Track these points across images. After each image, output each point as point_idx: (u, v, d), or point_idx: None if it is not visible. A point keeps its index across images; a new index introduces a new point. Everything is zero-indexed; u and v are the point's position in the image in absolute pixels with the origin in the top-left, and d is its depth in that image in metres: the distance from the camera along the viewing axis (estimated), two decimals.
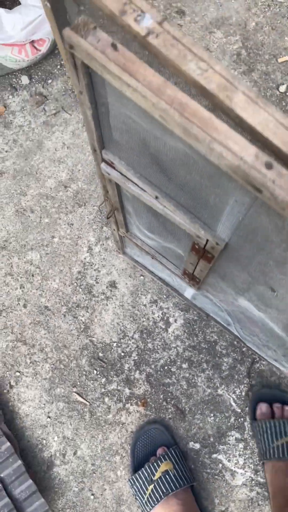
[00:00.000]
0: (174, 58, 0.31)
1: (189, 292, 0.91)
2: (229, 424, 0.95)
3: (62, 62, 1.13)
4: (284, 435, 0.86)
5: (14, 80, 1.12)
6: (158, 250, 0.79)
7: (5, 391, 0.98)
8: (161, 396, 0.97)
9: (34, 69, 1.13)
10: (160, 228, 0.63)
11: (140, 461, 0.93)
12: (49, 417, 0.97)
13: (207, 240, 0.49)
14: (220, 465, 0.94)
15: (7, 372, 0.98)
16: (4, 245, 1.03)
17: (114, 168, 0.50)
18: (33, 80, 1.12)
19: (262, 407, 0.91)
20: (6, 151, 1.08)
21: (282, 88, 1.07)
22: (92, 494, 0.94)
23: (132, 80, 0.31)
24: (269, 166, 0.30)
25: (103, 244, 1.03)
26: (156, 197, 0.49)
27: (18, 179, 1.07)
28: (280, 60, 1.09)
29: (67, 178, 1.06)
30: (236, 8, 1.13)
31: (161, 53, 0.32)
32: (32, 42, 1.03)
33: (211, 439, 0.95)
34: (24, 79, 1.12)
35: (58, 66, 1.13)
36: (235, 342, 0.98)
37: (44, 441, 0.96)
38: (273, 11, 1.12)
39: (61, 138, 1.08)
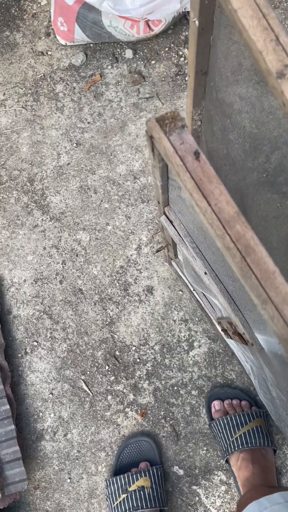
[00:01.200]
0: None
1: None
2: (219, 464, 0.94)
3: (171, 45, 1.06)
4: (241, 427, 0.89)
5: (118, 50, 1.07)
6: (204, 292, 0.75)
7: (19, 355, 1.00)
8: (162, 413, 0.97)
9: (141, 44, 1.07)
10: (203, 289, 0.59)
11: (122, 467, 0.94)
12: (51, 393, 0.99)
13: (244, 334, 0.46)
14: (197, 498, 0.94)
15: (26, 339, 1.00)
16: (59, 217, 1.03)
17: (173, 225, 0.47)
18: (137, 56, 1.07)
19: (215, 405, 0.94)
20: (89, 123, 1.05)
21: None
22: (69, 478, 0.97)
23: (204, 202, 0.28)
24: None
25: (153, 247, 1.00)
26: (205, 273, 0.45)
27: (91, 155, 1.04)
28: None
29: (139, 169, 1.03)
30: None
31: None
32: (147, 20, 0.97)
33: (197, 471, 0.95)
34: (128, 53, 1.07)
35: (166, 49, 1.06)
36: (252, 388, 0.95)
37: (41, 414, 0.99)
38: None
39: None
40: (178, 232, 0.46)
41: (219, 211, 0.27)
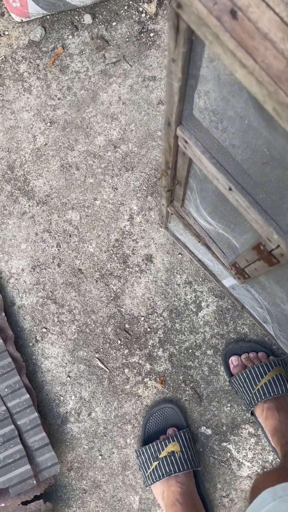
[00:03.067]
0: None
1: (229, 281, 0.86)
2: (245, 417, 0.94)
3: (130, 2, 1.02)
4: (261, 377, 0.89)
5: (76, 18, 1.03)
6: (211, 234, 0.73)
7: (30, 344, 1.00)
8: (181, 377, 0.96)
9: (99, 7, 1.02)
10: (224, 217, 0.57)
11: (150, 436, 0.94)
12: (69, 376, 0.99)
13: (278, 246, 0.44)
14: (229, 454, 0.94)
15: (35, 327, 1.00)
16: (46, 200, 1.01)
17: (189, 145, 0.44)
18: (97, 20, 1.02)
19: (233, 360, 0.94)
20: (59, 99, 1.02)
21: None
22: (101, 455, 0.98)
23: (249, 59, 0.25)
24: None
25: (145, 215, 0.98)
26: (230, 189, 0.43)
27: (67, 131, 1.01)
28: None
29: (118, 138, 0.99)
30: None
31: None
32: None
33: (224, 428, 0.95)
34: (87, 18, 1.02)
35: (125, 7, 1.02)
36: (266, 339, 0.94)
37: (62, 398, 0.99)
38: None
39: (118, 91, 1.00)
40: (194, 154, 0.44)
41: (268, 67, 0.25)
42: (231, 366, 0.94)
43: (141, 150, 0.99)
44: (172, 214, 0.78)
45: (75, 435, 0.99)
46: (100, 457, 0.98)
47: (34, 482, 0.92)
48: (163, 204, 0.77)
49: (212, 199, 0.56)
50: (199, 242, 0.77)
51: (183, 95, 0.39)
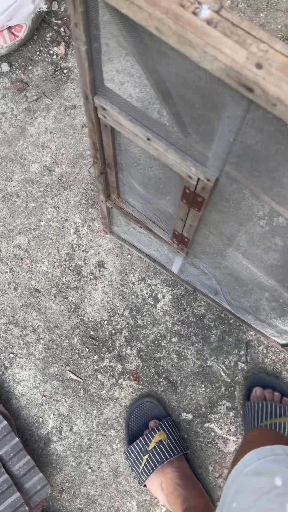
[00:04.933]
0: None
1: (176, 265, 0.93)
2: (220, 394, 0.98)
3: (41, 48, 1.14)
4: (274, 417, 0.89)
5: None
6: (148, 215, 0.80)
7: (0, 372, 1.00)
8: (153, 370, 0.99)
9: (14, 56, 1.14)
10: (153, 183, 0.64)
11: (134, 434, 0.95)
12: (44, 395, 0.99)
13: (198, 180, 0.51)
14: (213, 433, 0.97)
15: (1, 354, 1.00)
16: None
17: (106, 113, 0.52)
18: (14, 67, 1.13)
19: (257, 391, 0.94)
20: None
21: None
22: (90, 468, 0.96)
23: None
24: (259, 66, 0.32)
25: (90, 225, 1.04)
26: (148, 139, 0.50)
27: (3, 165, 1.08)
28: None
29: (51, 162, 1.08)
30: None
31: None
32: (10, 28, 1.04)
33: (203, 409, 0.98)
34: (4, 67, 1.13)
35: (38, 52, 1.14)
36: (223, 315, 1.00)
37: (40, 419, 0.98)
38: None
39: (44, 123, 1.09)
40: (112, 119, 0.52)
41: None
42: (253, 394, 0.94)
43: (75, 169, 1.07)
44: (112, 208, 0.85)
45: (61, 454, 0.97)
46: (89, 470, 0.96)
47: (27, 509, 0.89)
48: (102, 201, 0.85)
49: (139, 170, 0.64)
50: (140, 227, 0.84)
51: (92, 60, 0.47)
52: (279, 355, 0.98)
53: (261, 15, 1.12)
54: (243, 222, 0.56)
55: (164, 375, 0.99)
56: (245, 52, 0.33)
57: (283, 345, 0.94)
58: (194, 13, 0.35)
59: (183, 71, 0.40)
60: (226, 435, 0.97)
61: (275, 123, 0.37)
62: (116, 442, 0.97)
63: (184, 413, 0.98)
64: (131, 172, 0.67)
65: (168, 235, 0.80)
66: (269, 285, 0.67)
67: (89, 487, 0.96)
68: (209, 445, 0.97)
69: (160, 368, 1.00)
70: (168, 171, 0.57)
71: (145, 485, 0.92)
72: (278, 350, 0.98)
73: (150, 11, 0.34)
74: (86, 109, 0.55)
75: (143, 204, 0.77)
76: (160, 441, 0.91)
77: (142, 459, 0.90)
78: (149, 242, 0.93)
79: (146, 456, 0.90)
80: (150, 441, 0.91)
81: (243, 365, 0.98)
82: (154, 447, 0.90)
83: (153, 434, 0.91)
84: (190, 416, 0.98)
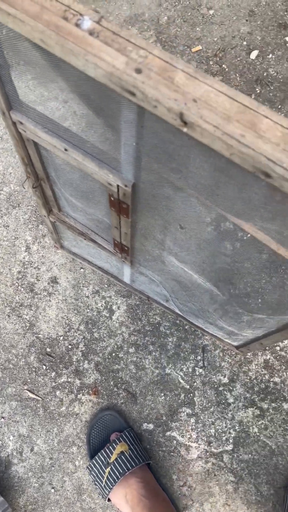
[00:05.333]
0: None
1: (126, 275, 0.94)
2: (180, 401, 0.98)
3: None
4: None
5: None
6: (90, 226, 0.81)
7: None
8: (112, 382, 0.99)
9: None
10: (81, 190, 0.65)
11: (96, 448, 0.94)
12: (2, 417, 0.97)
13: (118, 187, 0.52)
14: (175, 441, 0.97)
15: None
16: None
17: (25, 127, 0.53)
18: None
19: None
20: None
21: None
22: (53, 488, 0.95)
23: (11, 9, 0.34)
24: (138, 71, 0.34)
25: (41, 242, 1.04)
26: (66, 149, 0.51)
27: None
28: (193, 49, 1.14)
29: None
30: (148, 4, 1.18)
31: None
32: None
33: (164, 418, 0.98)
34: None
35: None
36: (178, 321, 1.01)
37: (0, 442, 0.96)
38: (183, 4, 1.18)
39: None
40: (30, 130, 0.52)
41: (27, 11, 0.34)
42: None
43: (22, 187, 1.07)
44: (55, 222, 0.86)
45: (22, 476, 0.95)
46: (52, 491, 0.95)
47: None
48: (44, 215, 0.85)
49: (67, 181, 0.65)
50: (85, 239, 0.85)
51: (0, 76, 0.48)
52: (235, 357, 0.99)
53: (197, 29, 1.16)
54: (167, 226, 0.57)
55: (123, 387, 0.99)
56: (125, 59, 0.35)
57: (237, 347, 0.95)
58: (77, 25, 0.36)
59: (77, 80, 0.41)
60: (188, 442, 0.96)
61: (163, 123, 0.38)
62: (79, 459, 0.96)
63: (145, 424, 0.98)
64: (62, 184, 0.68)
65: (110, 245, 0.81)
66: (206, 286, 0.68)
67: (53, 508, 0.94)
68: (172, 453, 0.96)
69: (119, 380, 0.99)
70: (92, 180, 0.59)
71: (109, 499, 0.90)
72: (234, 353, 0.99)
73: (32, 24, 0.35)
74: (6, 125, 0.56)
75: (82, 216, 0.78)
76: (122, 452, 0.90)
77: (104, 472, 0.89)
78: (98, 254, 0.94)
79: (108, 469, 0.89)
80: (112, 453, 0.90)
81: (200, 370, 0.99)
82: (116, 459, 0.89)
83: (114, 446, 0.91)
84: (151, 426, 0.97)
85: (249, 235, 0.49)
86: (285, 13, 1.16)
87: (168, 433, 0.97)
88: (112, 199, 0.58)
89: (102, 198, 0.62)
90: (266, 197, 0.40)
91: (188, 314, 0.91)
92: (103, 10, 1.18)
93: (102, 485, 0.89)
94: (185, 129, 0.37)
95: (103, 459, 0.90)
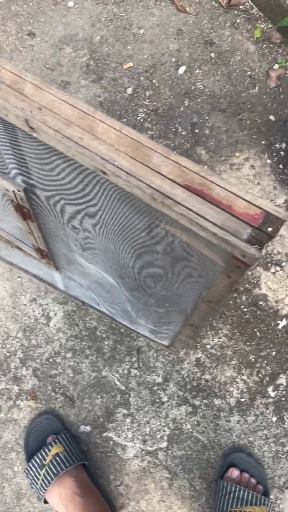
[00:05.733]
0: None
1: (59, 281, 0.97)
2: (116, 402, 1.01)
3: None
4: (244, 504, 0.88)
5: None
6: (14, 233, 0.84)
7: None
8: (50, 387, 1.02)
9: None
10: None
11: (34, 453, 0.96)
12: None
13: (14, 192, 0.56)
14: (111, 442, 0.99)
15: None
16: None
17: None
18: None
19: (234, 472, 0.93)
20: None
21: (129, 91, 1.18)
22: None
23: None
24: None
25: None
26: None
27: None
28: (125, 66, 1.20)
29: None
30: (81, 25, 1.24)
31: None
32: None
33: (101, 420, 1.00)
34: None
35: None
36: (113, 325, 1.05)
37: None
38: (115, 24, 1.24)
39: None
40: None
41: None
42: (228, 474, 0.93)
43: None
44: None
45: None
46: None
47: None
48: None
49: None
50: (12, 247, 0.88)
51: None
52: (168, 357, 1.02)
53: (129, 47, 1.22)
54: (64, 227, 0.61)
55: (61, 391, 1.01)
56: None
57: (168, 346, 0.99)
58: None
59: None
60: (124, 442, 0.99)
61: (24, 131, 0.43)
62: (18, 464, 0.98)
63: (83, 426, 1.00)
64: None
65: (31, 249, 0.84)
66: (117, 284, 0.72)
67: None
68: (109, 454, 0.99)
69: (57, 384, 1.02)
70: None
71: (46, 501, 0.92)
72: (167, 353, 1.03)
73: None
74: None
75: (6, 224, 0.81)
76: (57, 453, 0.92)
77: (39, 474, 0.91)
78: (30, 262, 0.97)
79: (43, 471, 0.91)
80: (47, 455, 0.92)
81: (135, 371, 1.02)
82: (51, 460, 0.91)
83: (50, 448, 0.93)
84: (88, 428, 1.00)
85: (117, 226, 0.53)
86: (211, 31, 1.23)
87: (105, 434, 1.00)
88: (14, 204, 0.62)
89: (7, 204, 0.66)
90: (120, 194, 0.45)
91: (117, 316, 0.95)
92: (39, 30, 1.23)
93: (38, 487, 0.91)
94: (34, 134, 0.41)
95: (38, 461, 0.92)
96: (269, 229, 0.36)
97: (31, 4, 1.26)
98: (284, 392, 1.00)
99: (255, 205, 0.37)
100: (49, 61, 1.21)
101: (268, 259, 1.07)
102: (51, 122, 0.39)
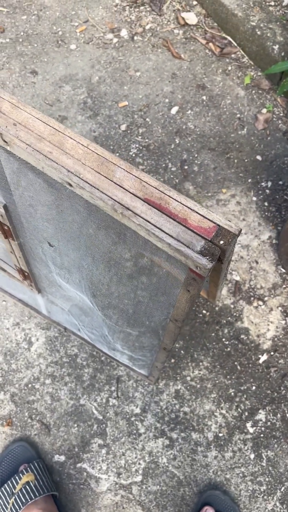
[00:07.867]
0: None
1: (42, 305, 0.98)
2: (92, 432, 0.99)
3: None
4: None
5: None
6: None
7: None
8: (26, 413, 1.00)
9: None
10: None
11: (4, 480, 0.94)
12: None
13: None
14: (85, 473, 0.97)
15: None
16: None
17: None
18: None
19: (208, 510, 0.91)
20: None
21: (123, 127, 1.23)
22: None
23: None
24: None
25: None
26: None
27: None
28: (120, 105, 1.26)
29: None
30: (81, 66, 1.31)
31: None
32: None
33: (76, 449, 0.98)
34: None
35: None
36: (94, 353, 1.05)
37: None
38: (113, 66, 1.31)
39: None
40: None
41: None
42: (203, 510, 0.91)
43: None
44: None
45: None
46: None
47: None
48: None
49: None
50: None
51: None
52: (148, 387, 1.02)
53: (125, 87, 1.29)
54: (41, 245, 0.63)
55: (37, 418, 1.00)
56: None
57: (147, 377, 0.99)
58: None
59: None
60: (98, 473, 0.97)
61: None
62: None
63: (57, 455, 0.98)
64: None
65: (14, 269, 0.86)
66: (91, 304, 0.73)
67: None
68: (82, 486, 0.96)
69: (34, 411, 1.01)
70: None
71: None
72: (146, 383, 1.02)
73: None
74: None
75: None
76: (27, 482, 0.90)
77: (8, 503, 0.89)
78: (15, 285, 0.98)
79: (12, 500, 0.88)
80: (18, 484, 0.90)
81: (114, 401, 1.01)
82: (21, 489, 0.89)
83: (21, 477, 0.91)
84: (62, 458, 0.98)
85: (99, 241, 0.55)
86: (204, 76, 1.30)
87: (79, 465, 0.97)
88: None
89: None
90: (87, 208, 0.47)
91: (97, 342, 0.95)
92: (41, 69, 1.30)
93: None
94: (8, 147, 0.44)
95: (8, 489, 0.90)
96: (221, 242, 0.38)
97: (35, 45, 1.34)
98: (263, 428, 0.99)
99: (208, 219, 0.39)
100: (48, 97, 1.27)
101: (251, 293, 1.08)
102: (24, 137, 0.42)
